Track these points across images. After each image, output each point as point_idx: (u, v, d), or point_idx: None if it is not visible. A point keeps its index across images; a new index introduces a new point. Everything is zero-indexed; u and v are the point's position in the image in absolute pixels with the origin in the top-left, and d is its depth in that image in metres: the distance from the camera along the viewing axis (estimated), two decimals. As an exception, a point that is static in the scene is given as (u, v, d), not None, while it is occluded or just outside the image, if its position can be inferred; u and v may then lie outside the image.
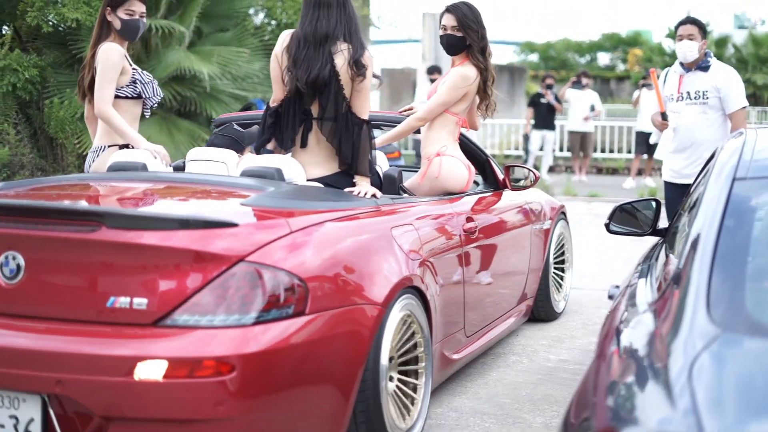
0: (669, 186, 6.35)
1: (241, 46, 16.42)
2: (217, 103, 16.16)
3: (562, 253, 6.54)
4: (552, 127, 17.31)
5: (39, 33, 15.65)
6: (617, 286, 3.62)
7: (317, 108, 4.34)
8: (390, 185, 4.69)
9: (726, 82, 6.05)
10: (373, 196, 4.17)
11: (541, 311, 6.23)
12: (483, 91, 5.13)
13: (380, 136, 5.23)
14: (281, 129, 4.39)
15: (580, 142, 17.20)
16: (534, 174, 5.55)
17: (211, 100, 16.07)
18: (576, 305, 6.85)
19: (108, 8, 5.01)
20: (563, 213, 6.51)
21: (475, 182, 5.77)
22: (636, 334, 2.52)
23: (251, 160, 4.26)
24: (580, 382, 2.45)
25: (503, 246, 5.30)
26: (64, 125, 11.96)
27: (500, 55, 52.91)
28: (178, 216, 3.34)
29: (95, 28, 5.09)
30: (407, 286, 3.88)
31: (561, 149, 19.92)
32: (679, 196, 5.83)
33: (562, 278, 6.53)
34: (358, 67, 4.28)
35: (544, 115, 16.97)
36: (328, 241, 3.55)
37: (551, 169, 18.24)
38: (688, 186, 6.13)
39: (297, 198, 3.81)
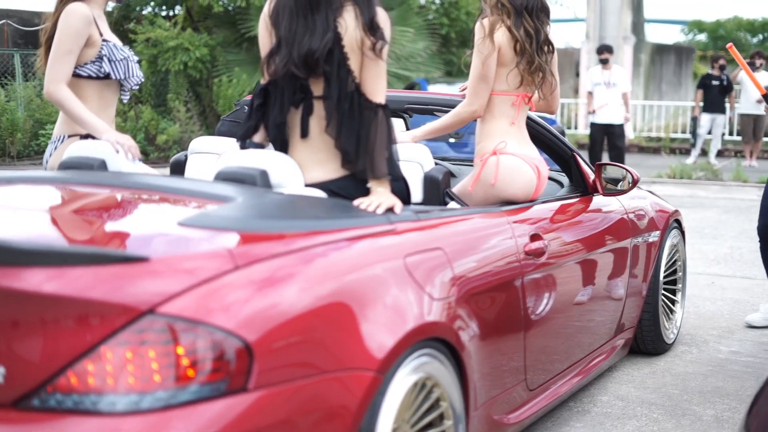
0: None
1: (405, 25, 15.84)
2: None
3: (674, 271, 5.27)
4: (723, 110, 16.51)
5: (210, 13, 16.02)
6: None
7: (321, 84, 3.19)
8: (432, 191, 3.56)
9: None
10: (389, 210, 3.03)
11: (648, 343, 4.99)
12: (521, 49, 3.80)
13: (424, 127, 4.07)
14: (270, 114, 3.27)
15: (753, 125, 16.38)
16: (632, 175, 4.32)
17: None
18: (747, 296, 6.62)
19: None
20: (677, 221, 5.23)
21: (560, 183, 4.59)
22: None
23: (231, 158, 3.19)
24: (766, 379, 2.30)
25: (589, 268, 4.10)
26: (232, 103, 11.92)
27: (666, 35, 50.76)
28: (61, 248, 2.31)
29: None
30: (425, 338, 2.77)
31: (731, 133, 18.98)
32: None
33: (673, 301, 5.27)
34: (373, 29, 3.13)
35: (715, 98, 16.22)
36: (295, 281, 2.46)
37: (719, 154, 17.43)
38: None
39: (270, 215, 2.72)
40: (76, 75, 3.96)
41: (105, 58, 3.98)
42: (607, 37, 25.46)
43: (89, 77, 3.98)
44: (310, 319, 2.43)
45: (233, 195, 2.80)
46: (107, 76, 4.00)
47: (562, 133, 13.26)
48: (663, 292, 5.10)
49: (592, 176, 4.36)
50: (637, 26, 25.80)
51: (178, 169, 3.93)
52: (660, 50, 26.45)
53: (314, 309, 2.45)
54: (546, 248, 3.62)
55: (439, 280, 2.92)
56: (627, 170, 4.33)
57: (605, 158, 13.32)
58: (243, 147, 3.32)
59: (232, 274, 2.34)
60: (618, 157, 12.79)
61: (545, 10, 3.91)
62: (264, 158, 3.13)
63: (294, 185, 3.12)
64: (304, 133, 3.24)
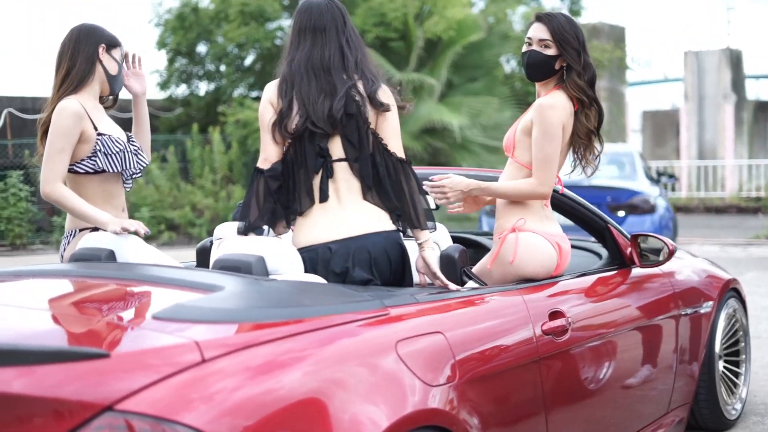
0: None
1: (491, 95, 15.88)
2: (468, 154, 15.86)
3: (736, 342, 5.03)
4: None
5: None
6: None
7: (340, 145, 3.36)
8: (449, 270, 3.49)
9: None
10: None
11: (707, 420, 4.76)
12: (581, 131, 3.75)
13: (486, 183, 3.78)
14: (291, 190, 3.37)
15: None
16: (668, 246, 4.15)
17: (463, 150, 15.90)
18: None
19: (103, 46, 4.03)
20: (735, 290, 5.01)
21: (598, 255, 4.46)
22: None
23: (229, 245, 3.19)
24: None
25: (624, 344, 3.93)
26: None
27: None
28: (22, 347, 2.31)
29: (77, 71, 3.98)
30: (420, 426, 2.68)
31: None
32: None
33: (737, 374, 5.02)
34: (374, 103, 3.34)
35: None
36: (268, 373, 2.41)
37: None
38: None
39: (252, 304, 2.69)
40: (74, 171, 3.96)
41: (100, 153, 3.94)
42: (706, 96, 25.01)
43: (86, 173, 3.98)
44: (281, 413, 2.36)
45: (221, 284, 2.79)
46: (103, 171, 3.98)
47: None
48: (724, 365, 4.88)
49: (628, 248, 4.21)
50: (737, 83, 25.27)
51: (204, 255, 3.94)
52: (763, 107, 25.78)
53: (287, 403, 2.39)
54: (569, 326, 3.50)
55: (437, 366, 2.83)
56: (663, 241, 4.17)
57: None
58: (248, 233, 3.31)
59: (198, 368, 2.31)
60: None
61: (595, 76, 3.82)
62: (262, 244, 3.12)
63: (293, 271, 3.10)
64: (324, 198, 3.32)
